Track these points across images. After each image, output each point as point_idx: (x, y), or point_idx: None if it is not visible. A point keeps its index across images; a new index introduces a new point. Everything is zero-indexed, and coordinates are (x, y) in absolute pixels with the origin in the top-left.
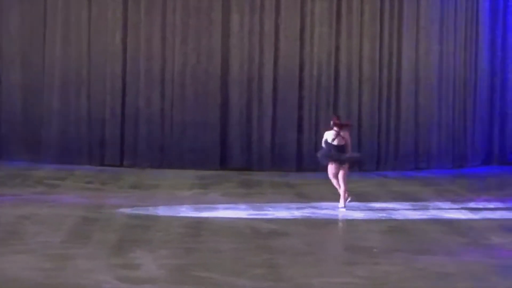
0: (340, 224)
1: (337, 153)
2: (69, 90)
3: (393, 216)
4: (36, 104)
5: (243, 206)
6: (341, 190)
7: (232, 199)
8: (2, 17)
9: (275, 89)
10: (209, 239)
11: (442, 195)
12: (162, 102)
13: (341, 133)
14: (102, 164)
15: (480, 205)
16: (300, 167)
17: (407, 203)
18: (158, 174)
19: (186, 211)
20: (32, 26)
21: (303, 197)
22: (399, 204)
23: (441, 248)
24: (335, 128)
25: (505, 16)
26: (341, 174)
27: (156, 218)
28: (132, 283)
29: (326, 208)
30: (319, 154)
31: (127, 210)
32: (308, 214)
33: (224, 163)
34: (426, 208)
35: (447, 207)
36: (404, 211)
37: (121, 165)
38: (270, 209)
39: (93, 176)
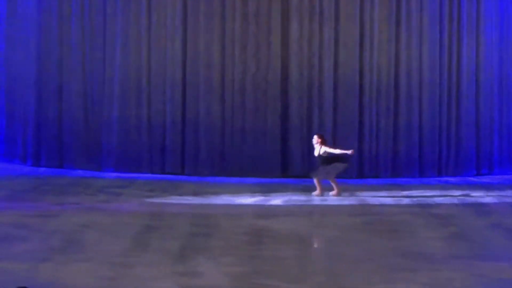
0: (399, 230)
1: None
2: (129, 98)
3: (454, 222)
4: (97, 112)
5: (304, 213)
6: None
7: (293, 206)
8: (63, 27)
9: (335, 96)
10: (271, 246)
11: (504, 201)
12: (222, 109)
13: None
14: (163, 172)
15: None
16: (361, 174)
17: (468, 209)
18: (218, 181)
19: (248, 218)
20: (92, 35)
21: (364, 204)
22: (460, 210)
23: (502, 254)
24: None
25: None
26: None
27: (217, 225)
28: None
29: (386, 215)
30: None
31: (189, 218)
32: (368, 221)
33: (285, 170)
34: (487, 214)
35: (508, 213)
36: (465, 217)
37: (182, 172)
38: (332, 216)
39: (154, 184)
